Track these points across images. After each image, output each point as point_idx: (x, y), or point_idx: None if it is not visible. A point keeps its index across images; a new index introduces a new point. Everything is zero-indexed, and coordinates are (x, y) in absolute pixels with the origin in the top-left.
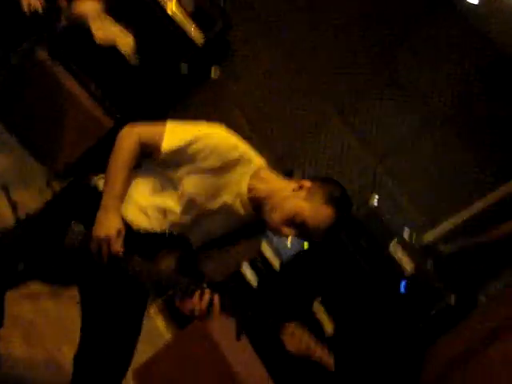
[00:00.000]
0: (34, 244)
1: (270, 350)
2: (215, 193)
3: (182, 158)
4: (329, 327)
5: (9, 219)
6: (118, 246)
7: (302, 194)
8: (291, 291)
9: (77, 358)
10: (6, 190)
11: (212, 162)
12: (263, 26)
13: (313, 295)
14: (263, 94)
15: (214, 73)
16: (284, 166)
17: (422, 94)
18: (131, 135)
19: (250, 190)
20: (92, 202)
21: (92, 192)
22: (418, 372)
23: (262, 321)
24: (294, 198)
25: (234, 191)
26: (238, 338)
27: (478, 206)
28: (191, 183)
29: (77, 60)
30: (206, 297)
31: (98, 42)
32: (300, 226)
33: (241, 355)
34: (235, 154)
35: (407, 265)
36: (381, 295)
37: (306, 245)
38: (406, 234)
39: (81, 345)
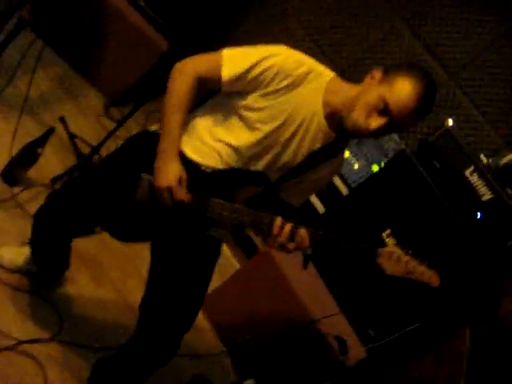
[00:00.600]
0: (104, 199)
1: (338, 280)
2: (288, 117)
3: (246, 84)
4: None
5: (70, 156)
6: (181, 194)
7: (376, 81)
8: (360, 220)
9: (145, 306)
10: (64, 121)
11: (279, 82)
12: None
13: (382, 225)
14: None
15: None
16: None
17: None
18: (185, 72)
19: (324, 105)
20: (154, 147)
21: (155, 138)
22: (496, 303)
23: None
24: (368, 89)
25: (309, 110)
26: (305, 267)
27: None
28: (261, 111)
29: None
30: (298, 232)
31: None
32: (384, 112)
33: (307, 284)
34: (303, 70)
35: (485, 191)
36: (455, 222)
37: (375, 167)
38: (483, 159)
39: (150, 293)
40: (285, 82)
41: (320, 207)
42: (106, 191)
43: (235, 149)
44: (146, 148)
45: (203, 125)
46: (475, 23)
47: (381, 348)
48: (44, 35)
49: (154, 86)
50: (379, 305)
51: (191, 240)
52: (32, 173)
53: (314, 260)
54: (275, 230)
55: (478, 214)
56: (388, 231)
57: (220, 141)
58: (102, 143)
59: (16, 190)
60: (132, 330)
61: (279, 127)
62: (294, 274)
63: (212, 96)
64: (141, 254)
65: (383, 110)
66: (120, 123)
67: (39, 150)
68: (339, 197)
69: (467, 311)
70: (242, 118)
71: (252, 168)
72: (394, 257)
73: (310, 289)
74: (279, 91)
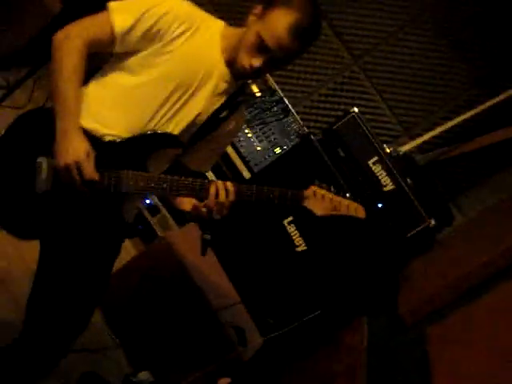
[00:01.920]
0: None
1: (237, 266)
2: (189, 67)
3: (140, 37)
4: (301, 244)
5: None
6: (91, 169)
7: (256, 18)
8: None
9: (33, 305)
10: None
11: (176, 29)
12: None
13: (284, 212)
14: None
15: None
16: None
17: None
18: (72, 39)
19: (223, 52)
20: (50, 126)
21: (45, 115)
22: (394, 296)
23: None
24: (250, 28)
25: (209, 60)
26: (204, 254)
27: (458, 118)
28: (162, 66)
29: None
30: (221, 189)
31: None
32: (264, 50)
33: (207, 272)
34: (197, 16)
35: (387, 181)
36: None
37: (277, 149)
38: (387, 149)
39: (40, 292)
40: (181, 28)
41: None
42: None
43: (134, 112)
44: (40, 128)
45: (98, 93)
46: (383, 9)
47: (279, 338)
48: None
49: (42, 51)
50: (279, 293)
51: (91, 236)
52: None
53: (214, 246)
54: (213, 194)
55: (379, 204)
56: (290, 218)
57: (118, 107)
58: None
59: None
60: (14, 326)
61: (180, 83)
62: (192, 260)
63: (101, 64)
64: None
65: (262, 47)
66: (7, 93)
67: None
68: (241, 180)
69: (364, 302)
70: (137, 79)
71: (161, 128)
72: (318, 196)
73: (209, 276)
74: (175, 40)
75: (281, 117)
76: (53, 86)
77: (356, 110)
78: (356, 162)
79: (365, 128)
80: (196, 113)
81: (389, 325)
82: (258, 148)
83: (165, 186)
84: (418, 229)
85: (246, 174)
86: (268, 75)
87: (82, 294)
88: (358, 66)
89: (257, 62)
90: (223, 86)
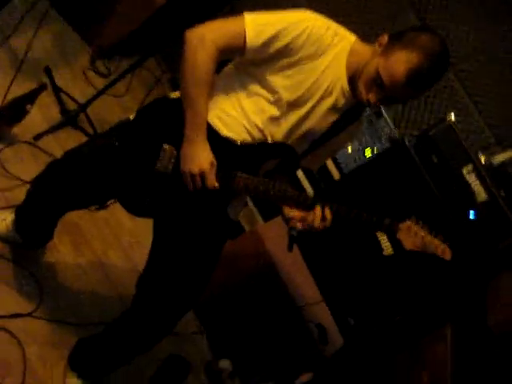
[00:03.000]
0: (120, 170)
1: (321, 265)
2: (314, 83)
3: (272, 52)
4: (388, 247)
5: (54, 111)
6: (212, 179)
7: (380, 50)
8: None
9: (143, 284)
10: (50, 72)
11: (308, 48)
12: None
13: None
14: None
15: None
16: None
17: None
18: (204, 45)
19: (347, 69)
20: (178, 117)
21: (173, 105)
22: (482, 306)
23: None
24: (373, 58)
25: (334, 75)
26: (290, 250)
27: None
28: (287, 80)
29: None
30: (325, 212)
31: None
32: (380, 86)
33: (292, 268)
34: (330, 33)
35: (480, 191)
36: (448, 219)
37: (368, 152)
38: (481, 158)
39: (151, 272)
40: (313, 48)
41: (309, 190)
42: (123, 161)
43: (254, 118)
44: (166, 116)
45: (225, 95)
46: (481, 18)
47: (359, 338)
48: None
49: (145, 42)
50: (363, 295)
51: (203, 219)
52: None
53: (300, 243)
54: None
55: (471, 213)
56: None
57: (243, 111)
58: (89, 102)
59: None
60: (110, 304)
61: (304, 94)
62: (279, 255)
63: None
64: (121, 222)
65: (379, 84)
66: (111, 84)
67: (28, 107)
68: (331, 181)
69: (450, 310)
70: (264, 86)
71: (274, 138)
72: (412, 231)
73: (294, 272)
74: (307, 58)
75: (373, 120)
76: (185, 87)
77: (453, 117)
78: (450, 170)
79: (461, 137)
80: (310, 126)
81: (476, 335)
82: (349, 150)
83: (272, 193)
84: (511, 240)
85: (336, 175)
86: None
87: (192, 273)
88: (453, 74)
89: (373, 98)
90: (342, 101)
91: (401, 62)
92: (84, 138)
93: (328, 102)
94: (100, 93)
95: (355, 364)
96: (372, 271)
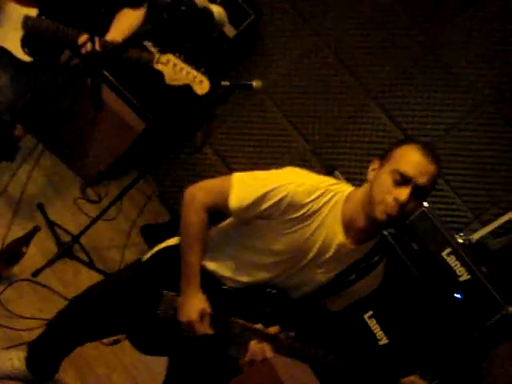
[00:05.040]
0: (127, 311)
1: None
2: (307, 241)
3: (257, 214)
4: (382, 338)
5: (50, 244)
6: (203, 328)
7: (378, 169)
8: None
9: None
10: (42, 208)
11: (293, 213)
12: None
13: (364, 308)
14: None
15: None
16: (322, 158)
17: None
18: (195, 203)
19: (343, 219)
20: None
21: (176, 252)
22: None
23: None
24: (377, 177)
25: (328, 233)
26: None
27: None
28: (280, 241)
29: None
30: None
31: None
32: (405, 182)
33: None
34: (316, 195)
35: (462, 272)
36: (434, 303)
37: None
38: (459, 239)
39: None
40: (298, 213)
41: None
42: (129, 304)
43: (250, 270)
44: (167, 263)
45: (223, 241)
46: (445, 100)
47: None
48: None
49: (129, 166)
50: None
51: (209, 356)
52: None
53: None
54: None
55: (457, 295)
56: (370, 313)
57: (235, 259)
58: (82, 232)
59: None
60: None
61: (294, 256)
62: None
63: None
64: (123, 344)
65: (402, 180)
66: (102, 212)
67: (24, 249)
68: None
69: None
70: (257, 247)
71: (276, 286)
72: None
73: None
74: (294, 221)
75: None
76: (180, 242)
77: (426, 204)
78: (430, 255)
79: (436, 221)
80: (310, 282)
81: None
82: None
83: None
84: (497, 317)
85: None
86: (339, 174)
87: None
88: None
89: (403, 195)
90: (341, 256)
91: (409, 150)
92: (80, 267)
93: (324, 258)
94: (92, 222)
95: None
96: (371, 361)
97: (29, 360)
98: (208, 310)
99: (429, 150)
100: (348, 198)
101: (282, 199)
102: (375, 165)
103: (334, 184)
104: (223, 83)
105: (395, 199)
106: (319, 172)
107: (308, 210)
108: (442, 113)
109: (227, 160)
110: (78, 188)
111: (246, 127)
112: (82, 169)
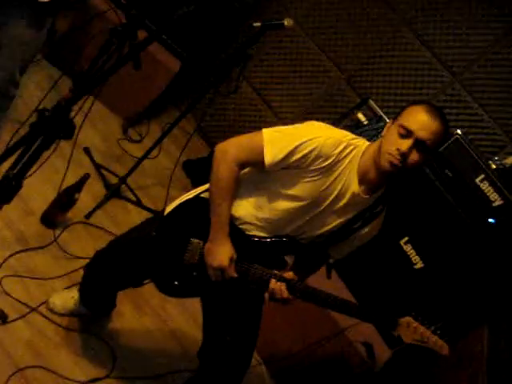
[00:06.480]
0: (156, 258)
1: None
2: (327, 188)
3: (288, 165)
4: (418, 262)
5: (98, 186)
6: (231, 272)
7: (390, 126)
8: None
9: (204, 355)
10: (89, 152)
11: (320, 163)
12: None
13: (400, 234)
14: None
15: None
16: (356, 87)
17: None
18: (228, 159)
19: (358, 171)
20: (204, 213)
21: (202, 204)
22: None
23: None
24: (388, 133)
25: (343, 184)
26: (329, 277)
27: None
28: (301, 188)
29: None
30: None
31: None
32: (408, 135)
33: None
34: (340, 148)
35: (495, 197)
36: (467, 227)
37: None
38: (492, 165)
39: (207, 343)
40: (325, 163)
41: None
42: (158, 251)
43: (273, 219)
44: (196, 213)
45: (251, 190)
46: (478, 23)
47: (406, 349)
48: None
49: (167, 104)
50: (401, 307)
51: (237, 292)
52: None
53: (337, 269)
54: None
55: (491, 220)
56: (406, 239)
57: (260, 211)
58: (128, 173)
59: (56, 232)
60: (174, 355)
61: (313, 201)
62: (319, 285)
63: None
64: None
65: (405, 133)
66: (147, 152)
67: (76, 196)
68: None
69: (484, 311)
70: (285, 189)
71: (291, 234)
72: (411, 327)
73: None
74: (319, 171)
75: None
76: (210, 194)
77: (459, 131)
78: (464, 182)
79: (469, 148)
80: (322, 227)
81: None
82: None
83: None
84: None
85: None
86: (373, 103)
87: (242, 338)
88: (458, 83)
89: (404, 145)
90: (353, 203)
91: (415, 109)
92: (129, 206)
93: (338, 206)
94: (138, 163)
95: (404, 372)
96: (407, 285)
97: (82, 298)
98: (235, 256)
99: (434, 109)
100: (364, 152)
101: (311, 151)
102: (389, 123)
103: (354, 138)
104: (255, 24)
105: (398, 149)
106: (354, 100)
107: (332, 161)
108: (478, 36)
109: (263, 94)
110: (120, 129)
111: (281, 60)
112: (122, 110)
